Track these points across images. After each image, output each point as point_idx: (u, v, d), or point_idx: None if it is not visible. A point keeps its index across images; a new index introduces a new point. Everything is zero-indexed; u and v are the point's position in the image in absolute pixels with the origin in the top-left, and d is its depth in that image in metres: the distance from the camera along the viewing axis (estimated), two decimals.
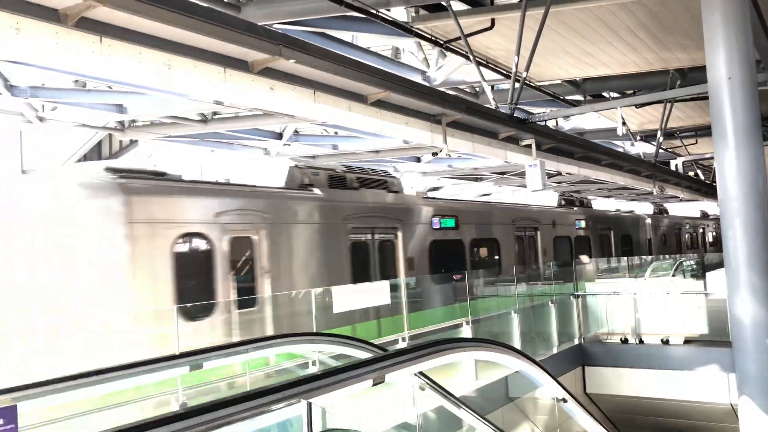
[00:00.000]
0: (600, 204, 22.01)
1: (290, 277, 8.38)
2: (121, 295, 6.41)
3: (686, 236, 28.04)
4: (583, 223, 17.47)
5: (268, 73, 6.40)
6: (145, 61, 5.29)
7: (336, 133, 15.63)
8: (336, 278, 8.98)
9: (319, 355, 5.91)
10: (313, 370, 6.14)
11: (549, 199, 17.57)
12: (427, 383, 5.09)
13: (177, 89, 5.97)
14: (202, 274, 7.35)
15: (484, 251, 13.00)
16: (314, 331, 6.37)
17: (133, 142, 15.48)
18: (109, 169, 7.20)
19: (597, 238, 18.30)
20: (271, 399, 2.93)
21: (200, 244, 7.37)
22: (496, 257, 13.14)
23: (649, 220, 23.37)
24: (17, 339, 5.62)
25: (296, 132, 15.35)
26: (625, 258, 17.37)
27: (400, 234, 10.61)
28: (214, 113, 12.64)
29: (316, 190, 9.56)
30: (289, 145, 15.59)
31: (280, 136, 15.14)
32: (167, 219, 7.05)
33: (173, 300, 6.77)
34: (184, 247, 7.18)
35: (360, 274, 9.53)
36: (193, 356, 4.57)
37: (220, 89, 6.02)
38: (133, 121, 12.77)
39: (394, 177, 11.78)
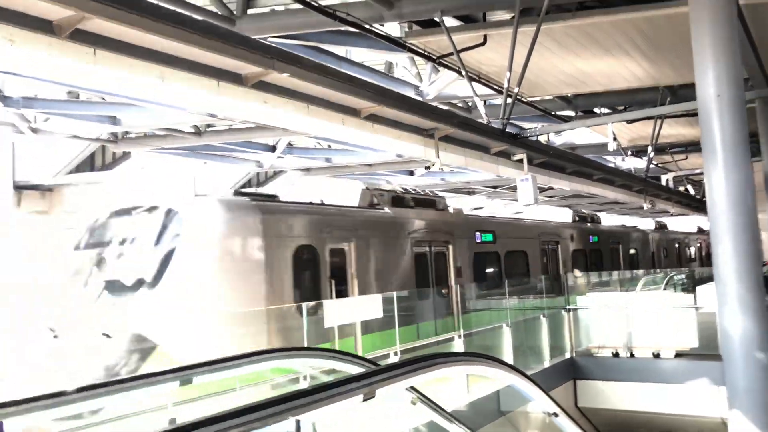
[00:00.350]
0: (609, 220, 23.54)
1: (371, 280, 9.92)
2: (257, 292, 8.14)
3: (685, 250, 29.46)
4: (596, 238, 19.21)
5: (262, 86, 6.44)
6: (139, 73, 5.30)
7: (329, 146, 15.69)
8: (405, 283, 10.69)
9: (310, 370, 5.91)
10: (304, 385, 6.13)
11: (566, 216, 19.56)
12: (419, 398, 5.07)
13: (170, 101, 5.99)
14: (311, 278, 9.00)
15: (515, 262, 14.46)
16: (306, 345, 6.43)
17: (125, 154, 15.48)
18: (239, 193, 9.00)
19: (608, 251, 20.05)
20: (259, 415, 2.90)
21: (310, 254, 9.02)
22: (526, 267, 14.75)
23: (651, 235, 24.79)
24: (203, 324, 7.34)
25: (290, 145, 15.41)
26: (617, 272, 17.90)
27: (450, 247, 12.16)
28: (208, 125, 12.67)
29: (385, 209, 11.18)
30: (283, 157, 15.64)
31: (273, 148, 15.20)
32: (288, 234, 8.79)
33: (292, 298, 8.45)
34: (299, 256, 8.83)
35: (421, 279, 11.09)
36: (183, 371, 4.54)
37: (213, 102, 6.05)
38: (127, 132, 12.78)
39: (441, 197, 13.44)
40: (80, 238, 8.69)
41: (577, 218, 19.67)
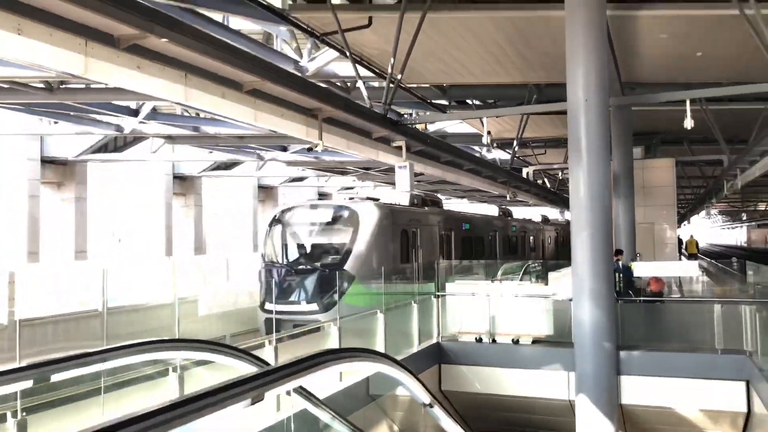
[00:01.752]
0: (517, 213, 28.93)
1: (425, 252, 15.16)
2: (390, 256, 13.41)
3: (561, 240, 33.11)
4: (514, 228, 24.69)
5: (137, 50, 5.84)
6: None
7: (197, 114, 14.81)
8: (436, 255, 15.97)
9: (181, 362, 5.53)
10: (174, 377, 5.74)
11: (493, 210, 26.50)
12: (295, 388, 4.94)
13: (29, 59, 5.23)
14: (406, 248, 14.35)
15: (479, 244, 20.11)
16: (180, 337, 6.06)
17: (136, 139, 13.58)
18: (369, 198, 15.05)
19: (521, 239, 25.47)
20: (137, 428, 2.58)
21: (404, 234, 14.37)
22: (483, 249, 20.37)
23: (541, 228, 29.91)
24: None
25: (154, 110, 14.35)
26: (483, 260, 19.62)
27: (453, 233, 17.55)
28: (62, 82, 11.41)
29: (424, 207, 16.79)
30: (146, 123, 14.54)
31: (136, 112, 14.07)
32: (398, 223, 14.12)
33: (400, 259, 13.86)
34: (402, 235, 14.20)
35: (442, 253, 16.52)
36: (39, 368, 3.99)
37: (79, 63, 5.37)
38: None
39: (440, 198, 20.17)
40: (280, 219, 13.66)
41: (502, 213, 25.12)
